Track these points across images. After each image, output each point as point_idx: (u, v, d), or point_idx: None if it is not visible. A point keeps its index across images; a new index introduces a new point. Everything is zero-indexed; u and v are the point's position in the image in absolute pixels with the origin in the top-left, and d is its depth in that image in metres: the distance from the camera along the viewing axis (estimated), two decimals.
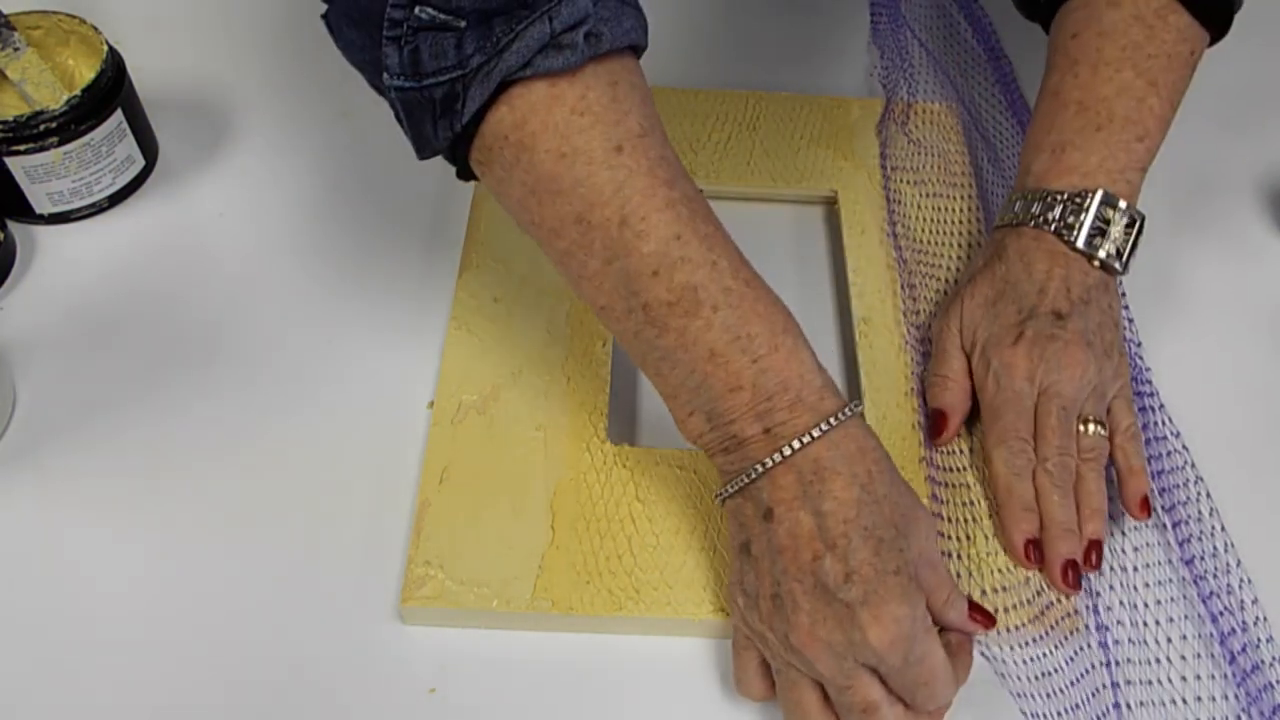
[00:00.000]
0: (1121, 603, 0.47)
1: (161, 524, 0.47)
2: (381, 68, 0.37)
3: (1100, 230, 0.49)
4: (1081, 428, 0.48)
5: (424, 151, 0.40)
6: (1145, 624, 0.46)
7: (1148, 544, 0.49)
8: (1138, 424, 0.49)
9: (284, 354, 0.53)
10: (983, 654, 0.44)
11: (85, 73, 0.59)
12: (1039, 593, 0.46)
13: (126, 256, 0.57)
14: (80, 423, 0.50)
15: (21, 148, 0.54)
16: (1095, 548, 0.46)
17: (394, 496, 0.48)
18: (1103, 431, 0.48)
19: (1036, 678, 0.44)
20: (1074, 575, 0.45)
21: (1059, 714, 0.43)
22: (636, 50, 0.40)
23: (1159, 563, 0.48)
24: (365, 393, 0.52)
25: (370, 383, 0.52)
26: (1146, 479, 0.48)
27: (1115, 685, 0.44)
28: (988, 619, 0.43)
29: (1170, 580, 0.48)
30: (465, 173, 0.42)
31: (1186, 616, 0.47)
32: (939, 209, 0.60)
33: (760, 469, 0.40)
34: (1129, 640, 0.46)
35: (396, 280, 0.57)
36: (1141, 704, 0.44)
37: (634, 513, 0.47)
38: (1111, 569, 0.48)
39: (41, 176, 0.55)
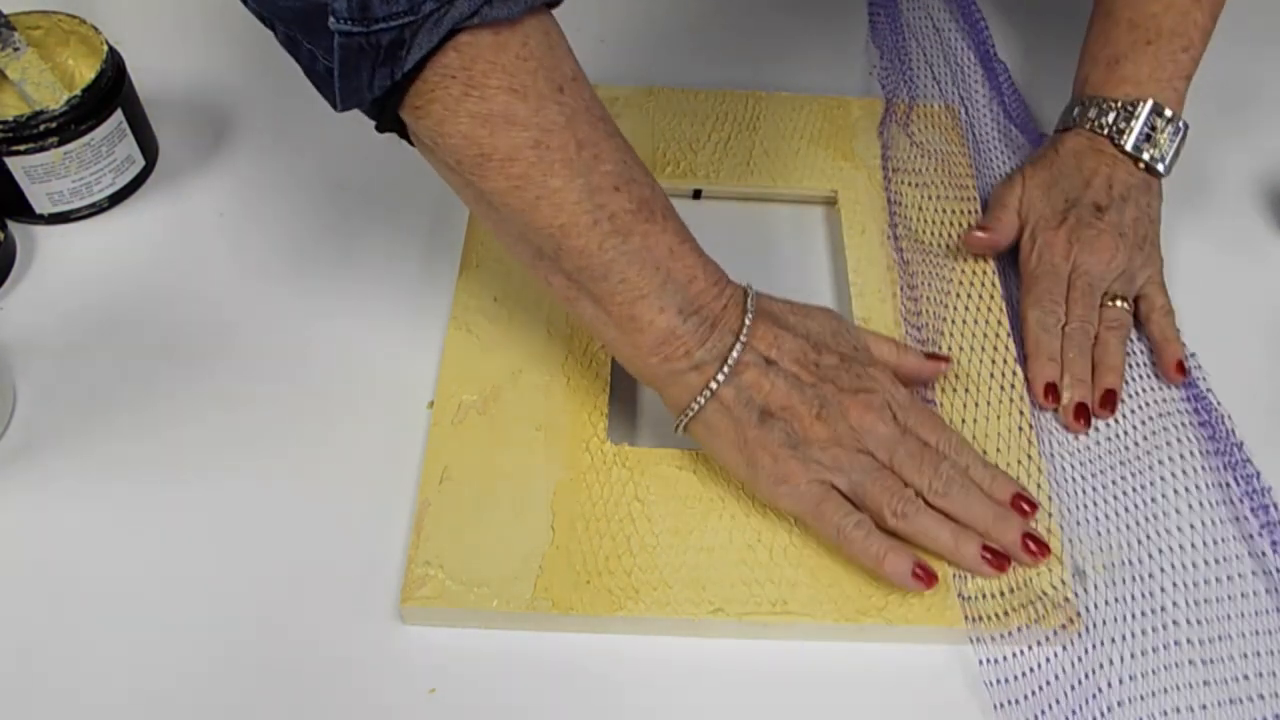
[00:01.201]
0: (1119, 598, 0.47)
1: (161, 524, 0.47)
2: (325, 12, 0.37)
3: (1148, 136, 0.56)
4: (1109, 303, 0.55)
5: (350, 101, 0.40)
6: (1142, 631, 0.46)
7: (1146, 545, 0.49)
8: (1170, 304, 0.56)
9: (283, 354, 0.53)
10: (980, 661, 0.44)
11: (85, 73, 0.59)
12: (1039, 596, 0.46)
13: (126, 256, 0.57)
14: (80, 423, 0.50)
15: (21, 148, 0.54)
16: (1109, 396, 0.53)
17: (394, 496, 0.48)
18: (1127, 307, 0.55)
19: (1025, 678, 0.44)
20: (1084, 417, 0.52)
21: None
22: (550, 5, 0.42)
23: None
24: (365, 393, 0.52)
25: (370, 383, 0.52)
26: (1180, 347, 0.55)
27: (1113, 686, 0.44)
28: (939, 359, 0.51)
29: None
30: (387, 124, 0.42)
31: (1189, 620, 0.47)
32: (941, 210, 0.60)
33: (745, 330, 0.45)
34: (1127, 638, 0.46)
35: (396, 280, 0.57)
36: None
37: (634, 513, 0.47)
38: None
39: (41, 176, 0.55)
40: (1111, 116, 0.57)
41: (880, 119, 0.64)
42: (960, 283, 0.57)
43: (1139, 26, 0.57)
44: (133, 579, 0.46)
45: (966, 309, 0.55)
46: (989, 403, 0.52)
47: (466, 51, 0.39)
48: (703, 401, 0.45)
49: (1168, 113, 0.56)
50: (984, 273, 0.57)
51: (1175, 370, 0.54)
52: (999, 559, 0.45)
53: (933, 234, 0.59)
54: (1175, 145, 0.57)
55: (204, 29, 0.69)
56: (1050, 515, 0.48)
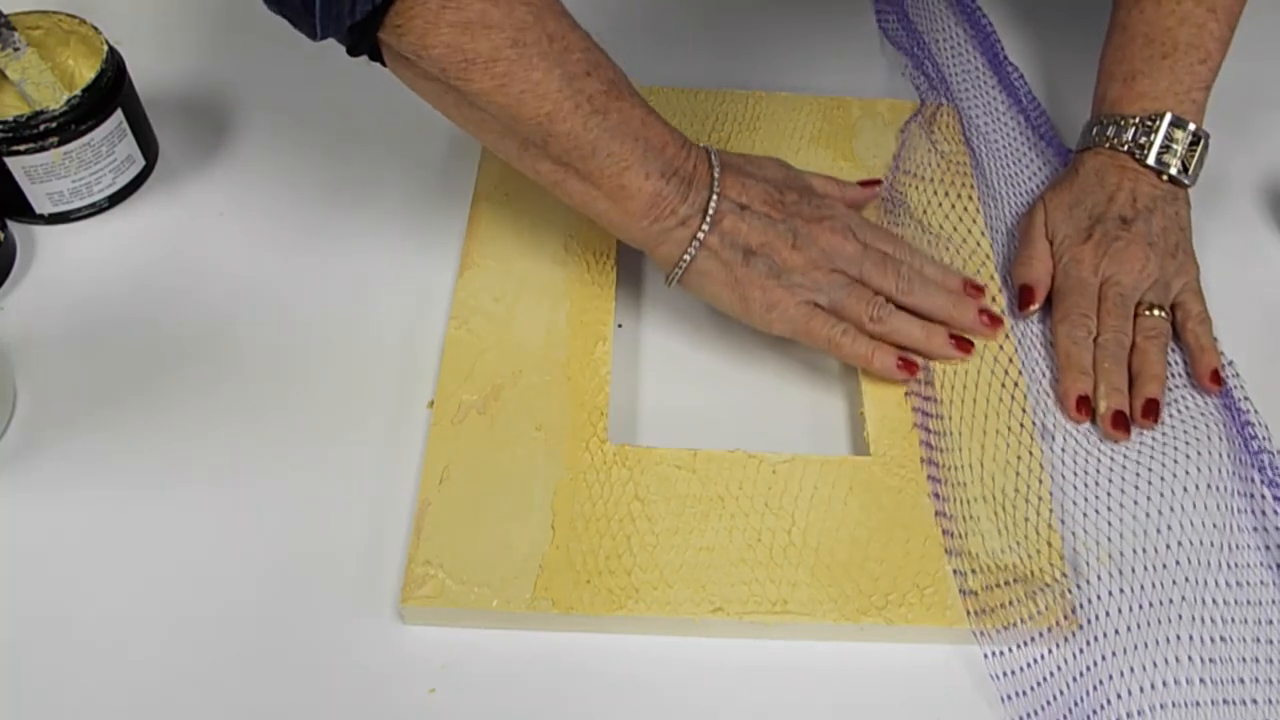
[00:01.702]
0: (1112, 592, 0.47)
1: (161, 523, 0.47)
2: None
3: (1168, 148, 0.56)
4: (1146, 313, 0.55)
5: (330, 28, 0.43)
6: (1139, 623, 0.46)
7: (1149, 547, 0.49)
8: (1207, 311, 0.56)
9: (283, 353, 0.53)
10: (984, 655, 0.45)
11: (85, 73, 0.59)
12: (1037, 591, 0.46)
13: (126, 256, 0.57)
14: (80, 423, 0.50)
15: (21, 148, 0.54)
16: (1151, 405, 0.52)
17: (394, 496, 0.48)
18: (1164, 315, 0.55)
19: (1026, 671, 0.44)
20: (1123, 425, 0.52)
21: (1059, 716, 0.43)
22: None
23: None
24: (365, 392, 0.52)
25: (370, 383, 0.52)
26: (1216, 356, 0.54)
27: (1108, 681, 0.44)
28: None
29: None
30: (363, 48, 0.45)
31: (1190, 617, 0.47)
32: (945, 214, 0.60)
33: (716, 182, 0.50)
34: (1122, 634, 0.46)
35: (396, 280, 0.57)
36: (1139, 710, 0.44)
37: (634, 512, 0.47)
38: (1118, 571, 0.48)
39: (41, 176, 0.55)
40: (1131, 133, 0.57)
41: (908, 118, 0.64)
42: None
43: (1155, 41, 0.57)
44: (132, 578, 0.46)
45: None
46: (989, 401, 0.52)
47: None
48: (693, 252, 0.50)
49: (1190, 126, 0.57)
50: (984, 272, 0.57)
51: (1210, 380, 0.53)
52: (963, 343, 0.52)
53: (933, 233, 0.59)
54: (1198, 155, 0.57)
55: (204, 29, 0.69)
56: (1051, 511, 0.48)
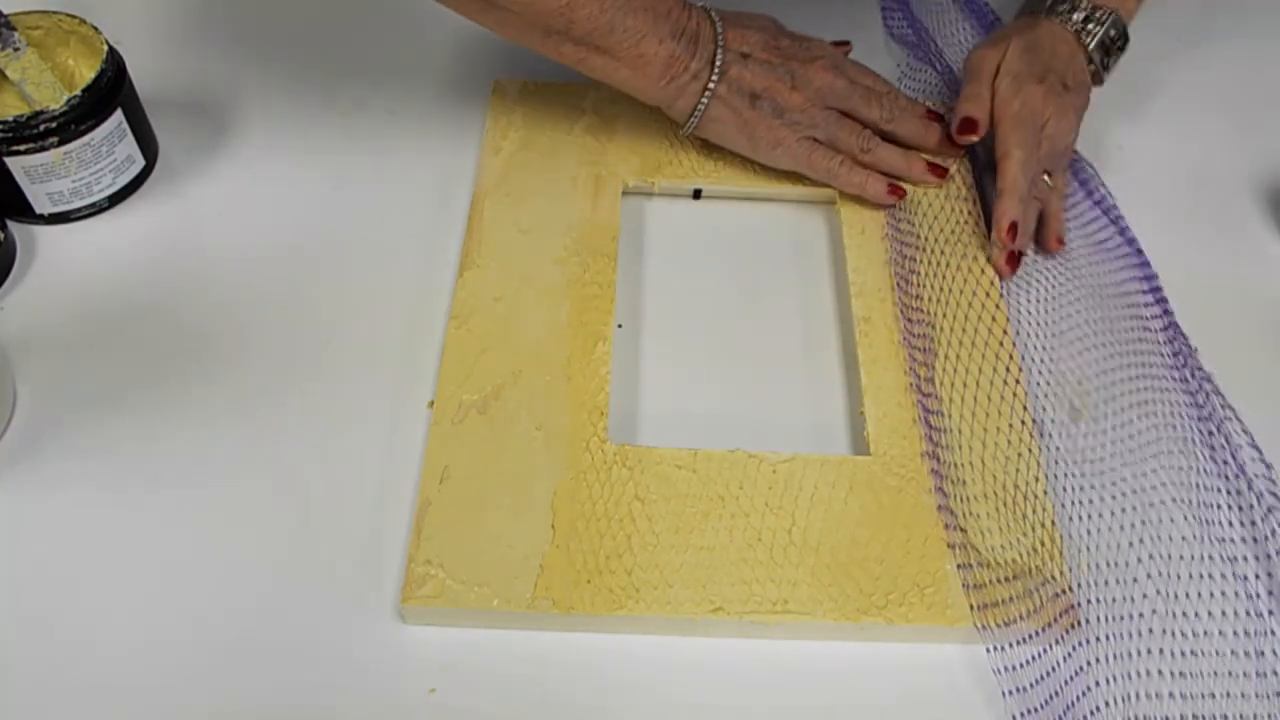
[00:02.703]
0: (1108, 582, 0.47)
1: (161, 524, 0.47)
2: None
3: (1105, 45, 0.62)
4: (1042, 177, 0.59)
5: None
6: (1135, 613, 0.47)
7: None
8: (1066, 187, 0.62)
9: (283, 354, 0.53)
10: (986, 650, 0.45)
11: (85, 73, 0.59)
12: (1039, 587, 0.46)
13: (126, 256, 0.57)
14: (80, 422, 0.50)
15: (21, 148, 0.54)
16: (1060, 240, 0.59)
17: (394, 496, 0.48)
18: (1049, 182, 0.60)
19: (1025, 668, 0.44)
20: (1015, 264, 0.57)
21: (1057, 714, 0.43)
22: None
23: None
24: (365, 393, 0.52)
25: (370, 383, 0.52)
26: (1062, 224, 0.60)
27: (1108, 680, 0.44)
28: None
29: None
30: None
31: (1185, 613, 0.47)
32: (942, 210, 0.60)
33: (719, 37, 0.56)
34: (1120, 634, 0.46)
35: (396, 280, 0.57)
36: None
37: (634, 512, 0.47)
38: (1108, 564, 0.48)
39: (41, 176, 0.55)
40: (1081, 16, 0.62)
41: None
42: (961, 279, 0.56)
43: None
44: (132, 578, 0.46)
45: (970, 305, 0.55)
46: (989, 398, 0.52)
47: None
48: (706, 100, 0.56)
49: (1122, 26, 0.62)
50: (985, 270, 0.57)
51: (1055, 243, 0.59)
52: (936, 168, 0.60)
53: (934, 231, 0.59)
54: (1116, 60, 0.63)
55: (204, 29, 0.69)
56: (1051, 508, 0.48)
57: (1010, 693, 0.44)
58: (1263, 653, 0.45)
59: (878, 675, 0.45)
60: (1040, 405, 0.53)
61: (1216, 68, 0.72)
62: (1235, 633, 0.46)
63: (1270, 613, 0.47)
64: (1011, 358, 0.53)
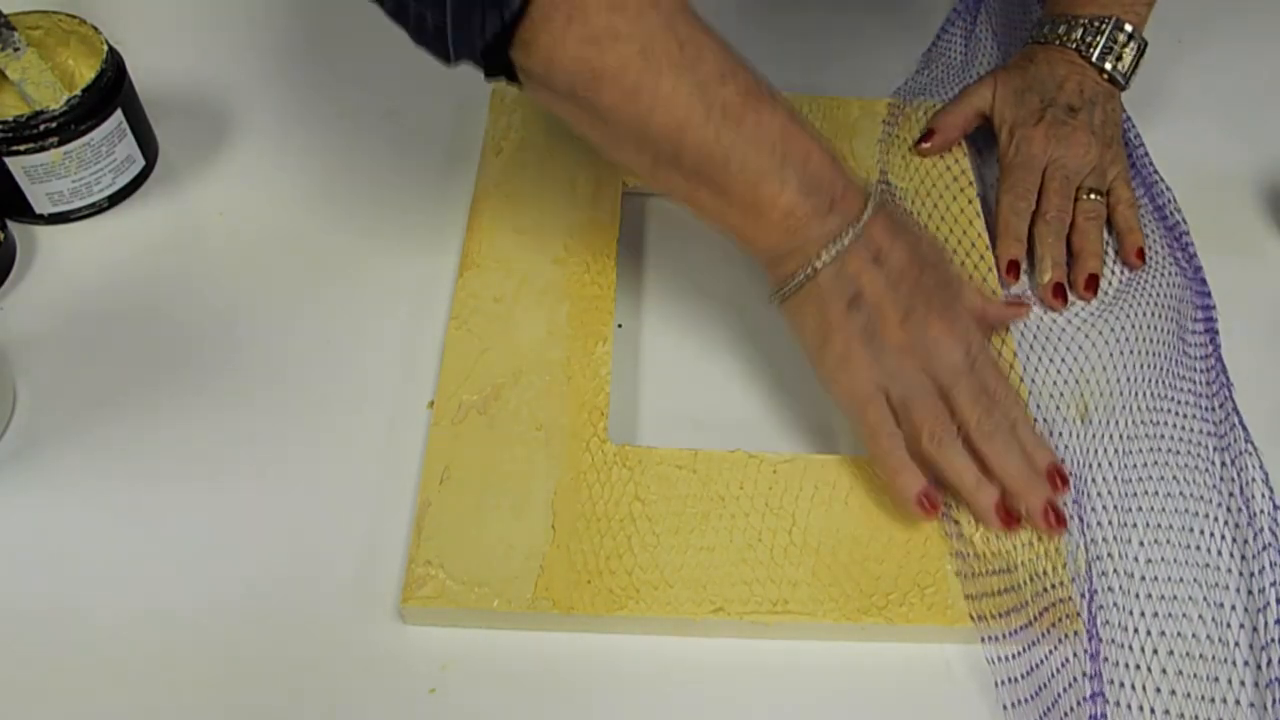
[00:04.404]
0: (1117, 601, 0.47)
1: (161, 523, 0.47)
2: None
3: (1110, 49, 0.61)
4: (1085, 196, 0.59)
5: (463, 51, 0.42)
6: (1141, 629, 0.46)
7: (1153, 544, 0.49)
8: (1135, 198, 0.61)
9: (284, 354, 0.53)
10: (987, 658, 0.45)
11: (85, 73, 0.59)
12: (1041, 593, 0.46)
13: (126, 256, 0.57)
14: (80, 423, 0.50)
15: (21, 148, 0.54)
16: (1093, 280, 0.58)
17: (394, 496, 0.48)
18: (1100, 199, 0.59)
19: (1026, 675, 0.44)
20: (1062, 296, 0.57)
21: (1061, 715, 0.43)
22: None
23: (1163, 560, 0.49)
24: (365, 393, 0.52)
25: (370, 383, 0.52)
26: (1141, 236, 0.59)
27: (1105, 688, 0.44)
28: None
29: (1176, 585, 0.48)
30: (497, 68, 0.44)
31: (1187, 615, 0.47)
32: (935, 206, 0.60)
33: (864, 218, 0.46)
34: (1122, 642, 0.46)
35: (397, 279, 0.57)
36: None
37: (634, 512, 0.47)
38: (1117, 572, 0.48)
39: (41, 176, 0.55)
40: (1080, 32, 0.61)
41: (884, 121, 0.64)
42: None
43: None
44: (132, 579, 0.46)
45: None
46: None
47: None
48: (805, 276, 0.47)
49: (1128, 29, 0.61)
50: (984, 270, 0.57)
51: (1136, 256, 0.58)
52: (1010, 517, 0.46)
53: (934, 230, 0.59)
54: (1134, 59, 0.61)
55: (204, 29, 0.69)
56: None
57: (1009, 689, 0.44)
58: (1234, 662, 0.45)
59: (878, 675, 0.45)
60: (1049, 404, 0.53)
61: (1216, 68, 0.72)
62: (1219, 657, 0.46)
63: (1238, 643, 0.46)
64: (1014, 356, 0.53)
